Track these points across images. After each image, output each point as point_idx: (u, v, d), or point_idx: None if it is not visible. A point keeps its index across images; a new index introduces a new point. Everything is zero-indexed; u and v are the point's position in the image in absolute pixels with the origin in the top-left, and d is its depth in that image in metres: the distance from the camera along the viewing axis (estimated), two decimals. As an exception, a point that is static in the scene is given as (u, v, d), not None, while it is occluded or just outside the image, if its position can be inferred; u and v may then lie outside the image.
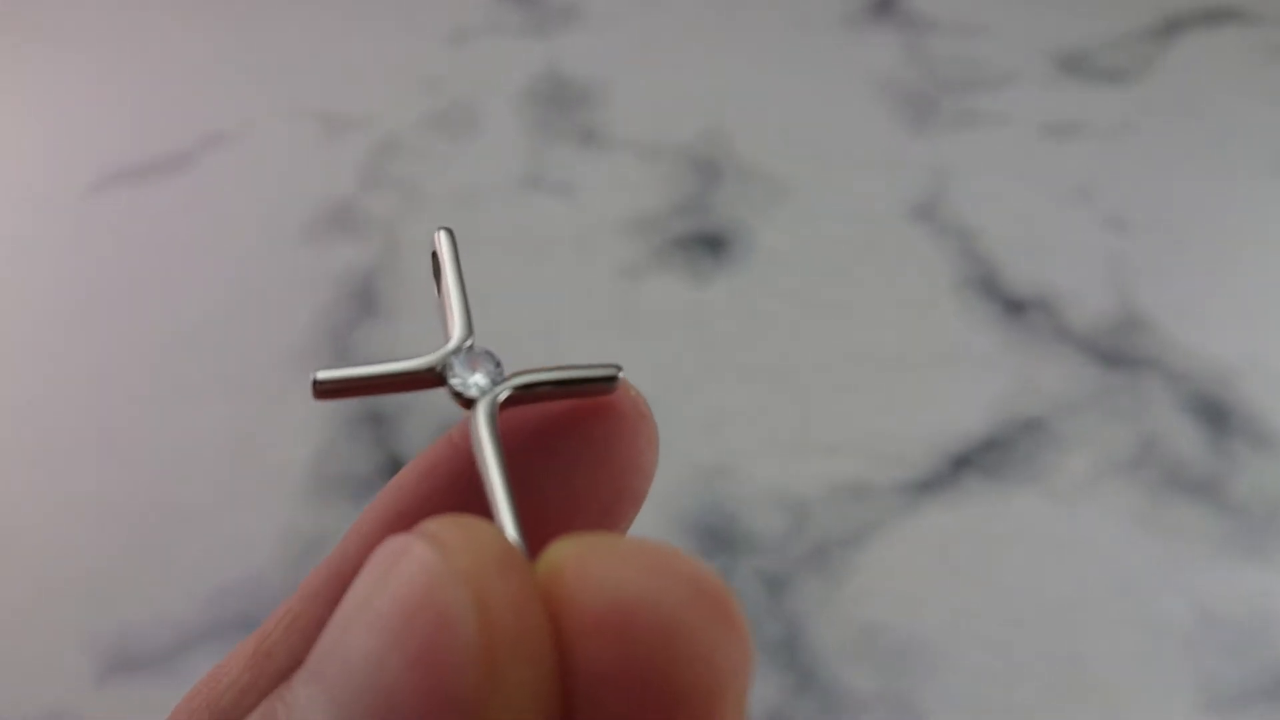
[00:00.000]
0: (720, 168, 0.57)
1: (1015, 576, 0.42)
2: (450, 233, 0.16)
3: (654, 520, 0.44)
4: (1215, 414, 0.46)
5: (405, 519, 0.15)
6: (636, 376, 0.50)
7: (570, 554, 0.11)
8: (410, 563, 0.11)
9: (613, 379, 0.15)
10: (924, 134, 0.58)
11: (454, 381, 0.15)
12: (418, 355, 0.15)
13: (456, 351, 0.15)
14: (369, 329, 0.51)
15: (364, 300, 0.53)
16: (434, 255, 0.16)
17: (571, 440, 0.15)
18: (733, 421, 0.47)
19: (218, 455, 0.47)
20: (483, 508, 0.13)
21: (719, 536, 0.43)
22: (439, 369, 0.15)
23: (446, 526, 0.11)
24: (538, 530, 0.14)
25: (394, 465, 0.46)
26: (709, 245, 0.54)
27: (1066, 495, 0.44)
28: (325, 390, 0.14)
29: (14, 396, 0.50)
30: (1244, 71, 0.61)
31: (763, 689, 0.39)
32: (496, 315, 0.51)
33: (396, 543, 0.11)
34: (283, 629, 0.15)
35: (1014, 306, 0.50)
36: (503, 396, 0.14)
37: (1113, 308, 0.50)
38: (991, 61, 0.62)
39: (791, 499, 0.44)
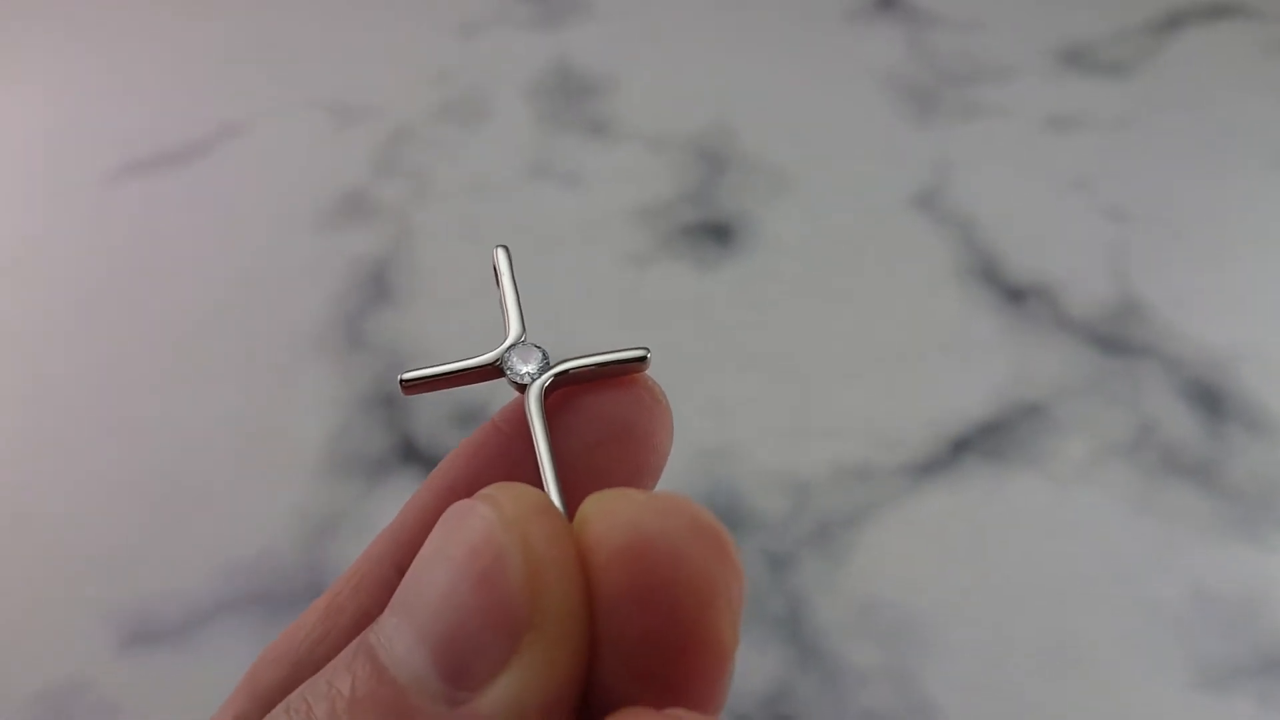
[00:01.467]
0: (726, 158, 0.58)
1: (1012, 557, 0.43)
2: (507, 249, 0.20)
3: (660, 500, 0.45)
4: (1211, 399, 0.47)
5: (457, 491, 0.18)
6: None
7: (597, 502, 0.14)
8: (473, 518, 0.14)
9: (644, 358, 0.18)
10: (926, 126, 0.59)
11: (510, 373, 0.18)
12: (479, 353, 0.18)
13: (512, 347, 0.18)
14: (381, 316, 0.52)
15: (376, 287, 0.54)
16: (494, 268, 0.19)
17: (600, 424, 0.18)
18: (737, 406, 0.48)
19: (234, 437, 0.48)
20: (523, 478, 0.16)
21: (723, 517, 0.44)
22: (499, 364, 0.18)
23: (499, 489, 0.14)
24: (573, 497, 0.17)
25: (406, 446, 0.47)
26: (715, 234, 0.55)
27: (1064, 478, 0.45)
28: (410, 386, 0.17)
29: (35, 381, 0.51)
30: (1244, 66, 0.61)
31: (766, 663, 0.40)
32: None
33: (462, 505, 0.14)
34: (351, 588, 0.18)
35: (1014, 294, 0.51)
36: (548, 383, 0.18)
37: (1111, 296, 0.51)
38: (993, 55, 0.63)
39: (794, 480, 0.45)
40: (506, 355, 0.18)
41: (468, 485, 0.18)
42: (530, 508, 0.14)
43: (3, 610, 0.44)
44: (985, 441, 0.46)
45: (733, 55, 0.65)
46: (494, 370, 0.18)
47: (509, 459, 0.18)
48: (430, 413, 0.48)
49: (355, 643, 0.14)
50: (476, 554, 0.13)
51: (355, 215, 0.57)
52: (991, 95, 0.60)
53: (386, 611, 0.14)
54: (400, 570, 0.18)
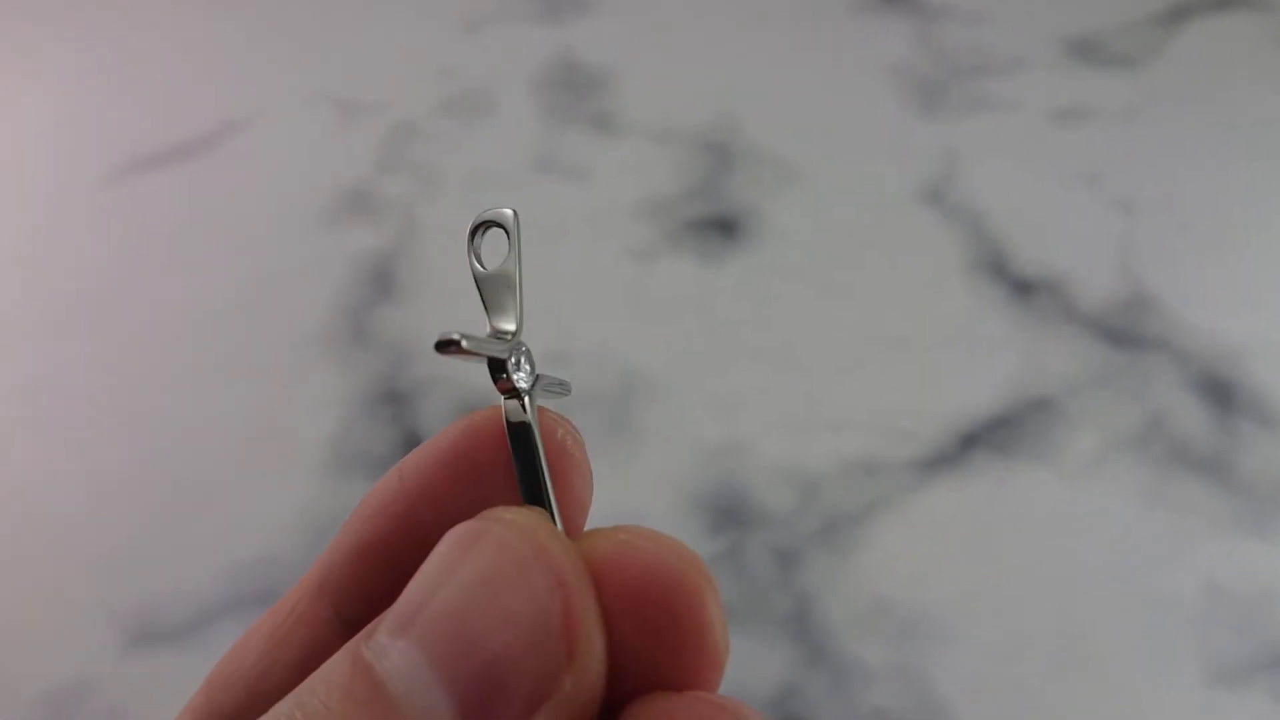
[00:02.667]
0: (731, 152, 0.58)
1: (1023, 552, 0.43)
2: (515, 214, 0.17)
3: (668, 497, 0.44)
4: (1221, 393, 0.46)
5: (384, 525, 0.17)
6: (649, 357, 0.51)
7: (606, 538, 0.15)
8: (491, 543, 0.13)
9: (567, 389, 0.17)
10: (933, 119, 0.59)
11: (516, 373, 0.16)
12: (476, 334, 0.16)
13: (519, 344, 0.16)
14: (386, 311, 0.52)
15: (381, 283, 0.53)
16: (481, 233, 0.17)
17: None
18: (744, 401, 0.48)
19: (239, 434, 0.48)
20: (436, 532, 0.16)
21: (731, 513, 0.44)
22: (509, 356, 0.16)
23: (519, 515, 0.14)
24: None
25: (410, 443, 0.47)
26: (720, 228, 0.54)
27: (1074, 473, 0.44)
28: (447, 348, 0.15)
29: (39, 378, 0.51)
30: (1251, 58, 0.61)
31: (774, 661, 0.40)
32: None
33: (469, 527, 0.14)
34: (292, 621, 0.18)
35: (1022, 288, 0.51)
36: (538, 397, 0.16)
37: (1120, 289, 0.50)
38: (1000, 47, 0.62)
39: (802, 476, 0.45)
40: (516, 350, 0.16)
41: (398, 537, 0.17)
42: (554, 535, 0.14)
43: (8, 611, 0.43)
44: (994, 436, 0.46)
45: (738, 48, 0.64)
46: (500, 362, 0.16)
47: (411, 517, 0.17)
48: (435, 409, 0.48)
49: (346, 654, 0.14)
50: (496, 585, 0.13)
51: (360, 211, 0.57)
52: (999, 88, 0.60)
53: (385, 630, 0.13)
54: (339, 613, 0.18)
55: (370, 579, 0.17)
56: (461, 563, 0.13)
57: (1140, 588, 0.41)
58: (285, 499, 0.46)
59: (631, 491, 0.45)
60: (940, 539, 0.43)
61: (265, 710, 0.17)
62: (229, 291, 0.54)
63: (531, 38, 0.66)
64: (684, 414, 0.47)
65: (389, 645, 0.13)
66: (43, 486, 0.47)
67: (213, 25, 0.70)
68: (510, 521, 0.14)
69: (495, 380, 0.16)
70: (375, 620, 0.14)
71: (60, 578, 0.44)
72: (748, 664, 0.40)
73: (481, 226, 0.17)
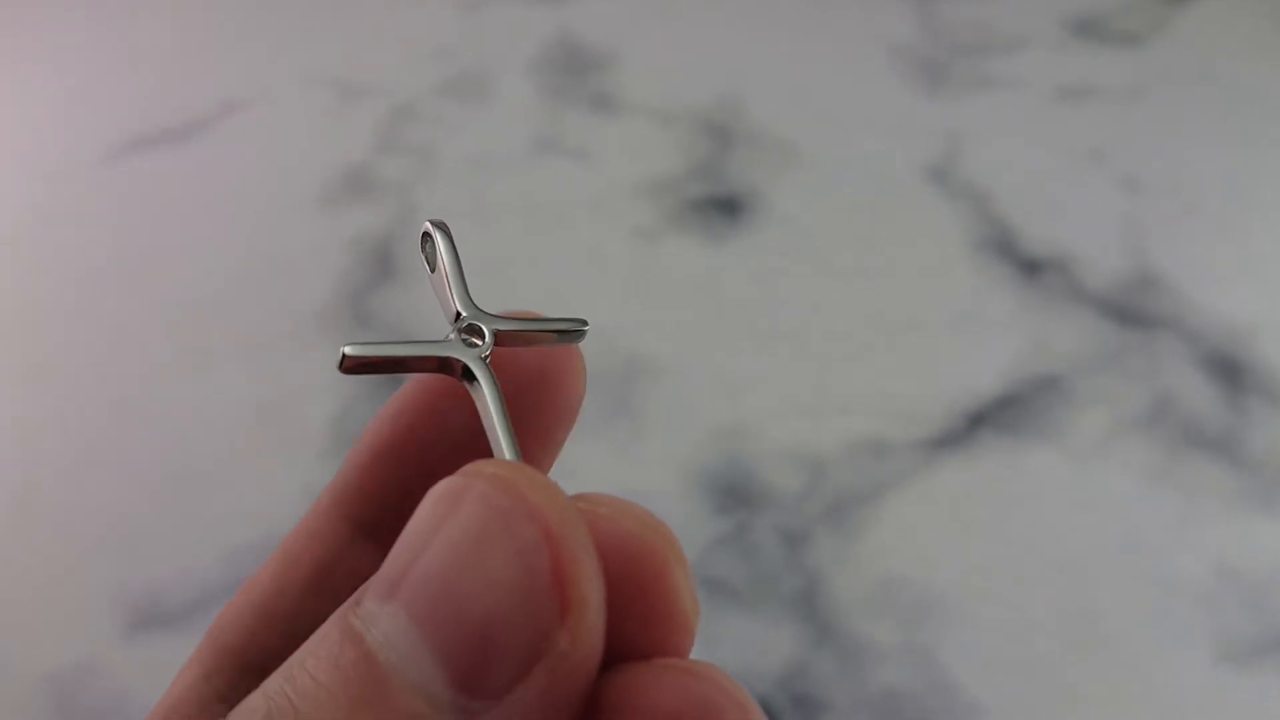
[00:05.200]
0: (734, 132, 0.58)
1: (1031, 532, 0.42)
2: (443, 226, 0.18)
3: (674, 479, 0.44)
4: (1230, 372, 0.46)
5: (401, 441, 0.18)
6: (653, 338, 0.51)
7: (584, 506, 0.14)
8: (474, 500, 0.13)
9: (581, 332, 0.17)
10: (937, 98, 0.58)
11: (465, 350, 0.16)
12: (430, 336, 0.17)
13: (457, 329, 0.17)
14: (386, 292, 0.52)
15: (381, 264, 0.53)
16: (427, 242, 0.18)
17: (516, 373, 0.18)
18: (750, 382, 0.47)
19: (239, 417, 0.48)
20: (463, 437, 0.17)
21: (738, 494, 0.43)
22: (448, 349, 0.16)
23: (501, 468, 0.13)
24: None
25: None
26: (724, 209, 0.54)
27: (1082, 452, 0.44)
28: (350, 364, 0.16)
29: (39, 361, 0.51)
30: (1255, 35, 0.61)
31: (782, 641, 0.40)
32: (513, 279, 0.51)
33: (451, 483, 0.13)
34: (303, 542, 0.18)
35: (1029, 267, 0.50)
36: (487, 354, 0.16)
37: (1127, 268, 0.50)
38: (1004, 26, 0.62)
39: (809, 457, 0.44)
40: (457, 336, 0.17)
41: (413, 439, 0.18)
42: (539, 486, 0.13)
43: (11, 594, 0.43)
44: (1001, 416, 0.45)
45: (740, 27, 0.64)
46: (441, 362, 0.16)
47: (444, 414, 0.18)
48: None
49: (336, 625, 0.13)
50: (485, 543, 0.12)
51: (359, 192, 0.56)
52: (1003, 67, 0.59)
53: (372, 596, 0.13)
54: (351, 520, 0.18)
55: (385, 480, 0.18)
56: (445, 522, 0.13)
57: (1150, 567, 0.41)
58: (287, 481, 0.45)
59: (637, 472, 0.44)
60: (948, 519, 0.43)
61: (278, 635, 0.18)
62: (229, 273, 0.53)
63: (530, 18, 0.65)
64: (689, 395, 0.47)
65: (377, 612, 0.13)
66: (45, 470, 0.47)
67: (212, 6, 0.69)
68: (492, 475, 0.13)
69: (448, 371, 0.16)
70: (362, 586, 0.13)
71: (63, 561, 0.44)
72: (756, 644, 0.40)
73: (424, 236, 0.18)
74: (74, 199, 0.58)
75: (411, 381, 0.18)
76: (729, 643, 0.40)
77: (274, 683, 0.13)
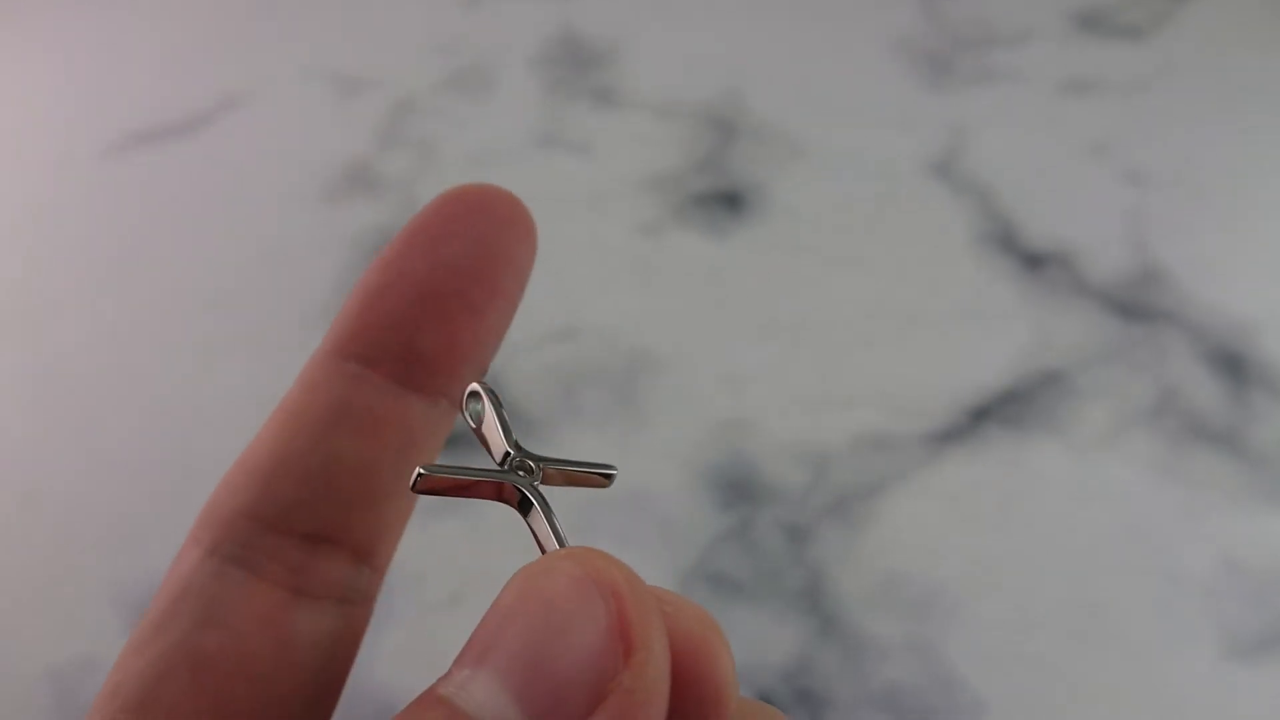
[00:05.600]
0: (736, 126, 0.57)
1: (1035, 526, 0.42)
2: (491, 390, 0.19)
3: (677, 473, 0.44)
4: (1234, 365, 0.46)
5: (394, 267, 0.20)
6: (656, 332, 0.50)
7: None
8: (552, 575, 0.14)
9: (610, 476, 0.19)
10: (941, 91, 0.58)
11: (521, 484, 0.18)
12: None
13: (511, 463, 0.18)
14: (388, 287, 0.52)
15: (383, 259, 0.53)
16: (474, 400, 0.19)
17: (465, 243, 0.20)
18: (752, 376, 0.47)
19: (241, 411, 0.47)
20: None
21: (740, 488, 0.43)
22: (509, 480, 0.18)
23: (575, 550, 0.15)
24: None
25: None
26: (726, 203, 0.54)
27: (1086, 446, 0.44)
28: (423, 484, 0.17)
29: (40, 356, 0.51)
30: (1260, 28, 0.60)
31: (786, 636, 0.40)
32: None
33: (535, 565, 0.15)
34: (306, 396, 0.20)
35: (1032, 261, 0.50)
36: (538, 482, 0.18)
37: (1131, 262, 0.50)
38: (1008, 19, 0.61)
39: (812, 451, 0.44)
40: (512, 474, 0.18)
41: (405, 275, 0.20)
42: (610, 560, 0.15)
43: (11, 589, 0.43)
44: (1005, 409, 0.45)
45: (742, 21, 0.63)
46: (495, 487, 0.18)
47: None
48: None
49: (421, 696, 0.14)
50: (562, 606, 0.14)
51: (361, 187, 0.56)
52: (1006, 60, 0.59)
53: (455, 666, 0.14)
54: (355, 358, 0.19)
55: (383, 313, 0.19)
56: (528, 595, 0.14)
57: (1155, 561, 0.41)
58: (290, 476, 0.45)
59: (640, 467, 0.44)
60: (952, 513, 0.43)
61: (293, 481, 0.19)
62: (231, 268, 0.53)
63: (532, 12, 0.65)
64: (692, 389, 0.47)
65: (459, 675, 0.14)
66: (45, 464, 0.47)
67: (214, 0, 0.69)
68: (569, 554, 0.15)
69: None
70: (452, 665, 0.15)
71: (64, 556, 0.44)
72: (760, 639, 0.40)
73: (471, 395, 0.19)
74: (76, 194, 0.58)
75: (392, 239, 0.20)
76: (732, 638, 0.40)
77: None
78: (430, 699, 0.14)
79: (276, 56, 0.64)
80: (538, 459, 0.18)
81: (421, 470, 0.17)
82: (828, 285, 0.50)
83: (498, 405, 0.19)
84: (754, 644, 0.40)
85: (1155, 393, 0.45)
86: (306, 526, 0.19)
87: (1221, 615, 0.40)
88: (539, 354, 0.48)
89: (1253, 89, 0.57)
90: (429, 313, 0.19)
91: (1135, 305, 0.48)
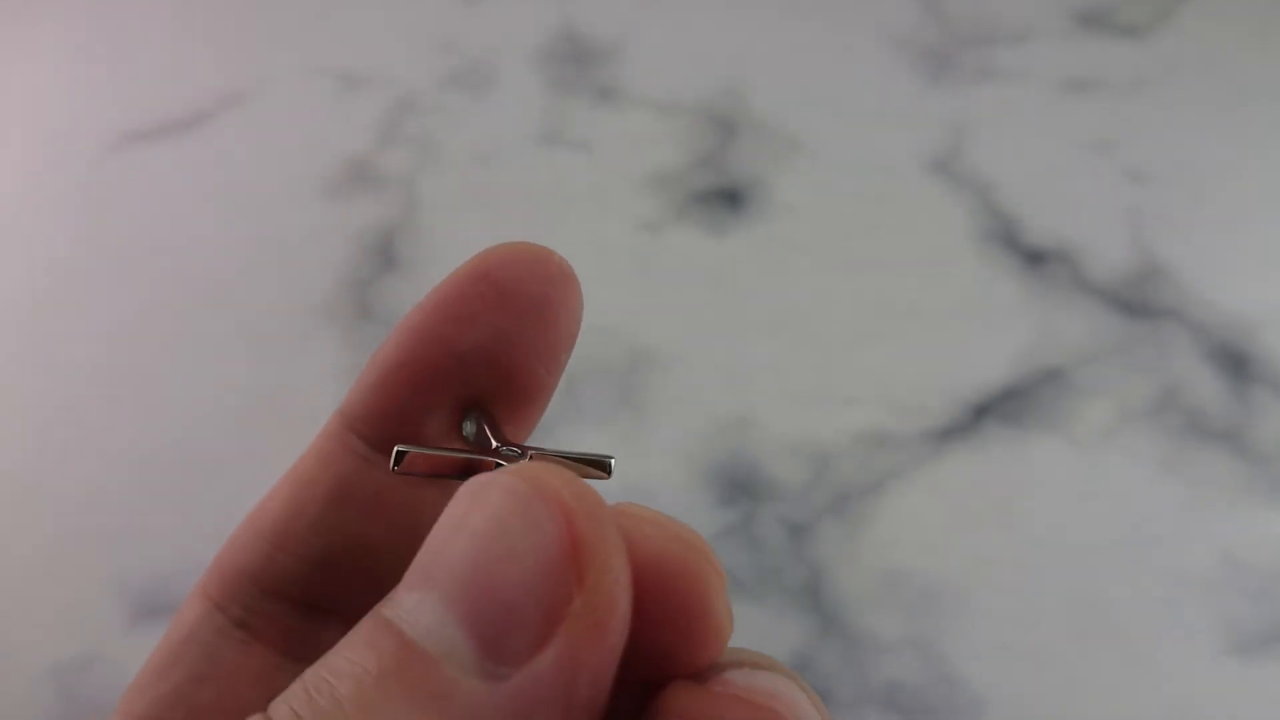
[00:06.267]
0: (737, 123, 0.57)
1: (1037, 522, 0.42)
2: (486, 411, 0.19)
3: (678, 470, 0.44)
4: (1236, 363, 0.46)
5: (407, 373, 0.19)
6: (657, 330, 0.50)
7: (625, 520, 0.15)
8: (494, 490, 0.14)
9: (607, 466, 0.18)
10: (941, 89, 0.58)
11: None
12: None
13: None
14: (389, 284, 0.52)
15: (384, 256, 0.53)
16: (469, 423, 0.19)
17: (518, 301, 0.19)
18: (754, 373, 0.47)
19: (244, 406, 0.48)
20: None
21: (742, 485, 0.43)
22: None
23: (523, 465, 0.14)
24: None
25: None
26: (727, 200, 0.54)
27: (1088, 443, 0.44)
28: (404, 462, 0.17)
29: (43, 352, 0.51)
30: (1261, 26, 0.60)
31: (787, 633, 0.40)
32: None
33: (477, 479, 0.14)
34: (319, 464, 0.19)
35: (1033, 258, 0.50)
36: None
37: (1132, 259, 0.50)
38: (1009, 16, 0.61)
39: (813, 448, 0.44)
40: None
41: (421, 360, 0.19)
42: (557, 474, 0.14)
43: (15, 585, 0.43)
44: (1006, 406, 0.45)
45: (743, 18, 0.63)
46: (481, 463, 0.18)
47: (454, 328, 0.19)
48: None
49: (369, 618, 0.14)
50: (505, 526, 0.13)
51: (362, 184, 0.56)
52: (1007, 57, 0.59)
53: (401, 587, 0.14)
54: (364, 439, 0.19)
55: (397, 399, 0.19)
56: (470, 512, 0.14)
57: (1156, 558, 0.41)
58: (291, 473, 0.45)
59: (642, 464, 0.44)
60: (953, 510, 0.43)
61: (294, 558, 0.18)
62: (232, 264, 0.53)
63: (533, 9, 0.65)
64: (694, 386, 0.47)
65: (407, 598, 0.14)
66: (48, 460, 0.47)
67: (211, -2, 0.69)
68: (515, 469, 0.14)
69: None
70: (396, 586, 0.14)
71: (67, 552, 0.44)
72: (761, 635, 0.40)
73: (466, 417, 0.19)
74: (78, 191, 0.58)
75: (416, 308, 0.19)
76: (734, 634, 0.40)
77: (312, 671, 0.14)
78: (378, 624, 0.14)
79: (278, 54, 0.64)
80: (526, 448, 0.18)
81: (401, 448, 0.17)
82: (828, 282, 0.50)
83: (493, 426, 0.19)
84: (755, 641, 0.40)
85: (1156, 390, 0.45)
86: (305, 597, 0.19)
87: (1222, 612, 0.40)
88: (540, 351, 0.48)
89: (1253, 86, 0.57)
90: (438, 405, 0.19)
91: (1136, 302, 0.48)
